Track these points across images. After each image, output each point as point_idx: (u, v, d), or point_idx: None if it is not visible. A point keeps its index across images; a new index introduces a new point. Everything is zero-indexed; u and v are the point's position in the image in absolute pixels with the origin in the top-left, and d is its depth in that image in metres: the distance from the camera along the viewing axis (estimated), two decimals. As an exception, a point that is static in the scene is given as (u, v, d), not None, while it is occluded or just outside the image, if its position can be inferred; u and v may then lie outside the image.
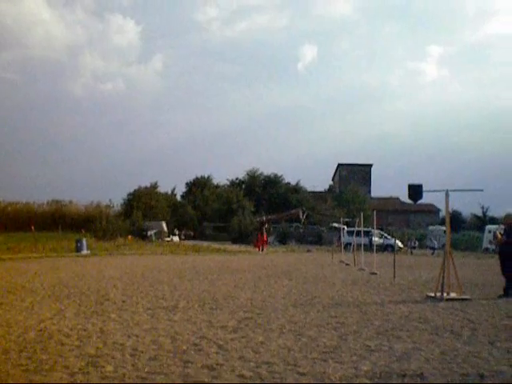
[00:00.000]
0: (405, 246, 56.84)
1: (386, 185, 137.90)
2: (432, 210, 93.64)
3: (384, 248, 51.89)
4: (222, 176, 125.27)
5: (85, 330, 9.01)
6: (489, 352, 7.74)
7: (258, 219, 54.27)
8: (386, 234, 57.19)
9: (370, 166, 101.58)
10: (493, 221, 68.59)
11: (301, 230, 67.78)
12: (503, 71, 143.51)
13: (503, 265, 15.39)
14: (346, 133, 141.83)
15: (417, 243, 58.52)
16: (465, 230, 76.16)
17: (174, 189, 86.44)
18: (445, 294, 13.93)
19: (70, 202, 76.60)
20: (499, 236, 18.60)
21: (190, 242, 55.93)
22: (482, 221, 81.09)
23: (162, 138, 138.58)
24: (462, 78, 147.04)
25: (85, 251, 36.25)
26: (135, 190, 75.19)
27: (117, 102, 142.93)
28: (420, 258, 43.74)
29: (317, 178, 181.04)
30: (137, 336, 8.55)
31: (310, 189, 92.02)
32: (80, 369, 6.52)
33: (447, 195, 14.66)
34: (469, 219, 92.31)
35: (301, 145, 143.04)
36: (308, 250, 49.43)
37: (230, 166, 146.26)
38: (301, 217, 62.65)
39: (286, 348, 7.77)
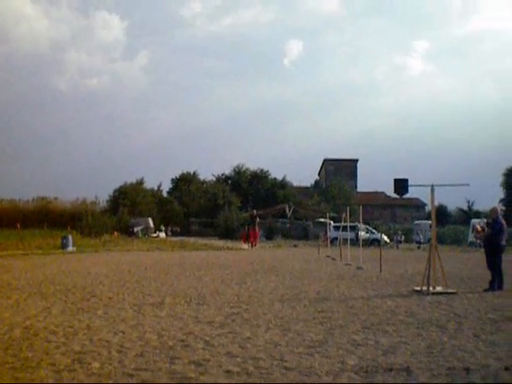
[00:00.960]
0: (391, 240, 56.96)
1: (372, 180, 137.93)
2: (418, 205, 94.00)
3: (370, 242, 51.99)
4: (208, 172, 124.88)
5: (71, 327, 9.00)
6: (474, 345, 7.79)
7: (248, 212, 50.47)
8: (372, 229, 57.34)
9: (356, 161, 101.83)
10: (478, 215, 68.92)
11: (287, 225, 67.86)
12: (489, 66, 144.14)
13: (488, 258, 15.49)
14: (332, 128, 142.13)
15: (403, 237, 58.67)
16: (451, 224, 76.48)
17: (160, 185, 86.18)
18: (431, 288, 13.99)
19: (56, 198, 76.03)
20: (479, 229, 18.72)
21: (177, 238, 55.82)
22: (467, 215, 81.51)
23: (148, 134, 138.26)
24: (447, 73, 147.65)
25: (71, 248, 36.09)
26: (121, 187, 74.87)
27: (102, 98, 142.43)
28: (406, 252, 43.89)
29: (303, 173, 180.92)
30: (123, 332, 8.55)
31: (296, 184, 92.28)
32: (66, 366, 6.52)
33: (432, 190, 14.72)
34: (454, 213, 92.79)
35: (287, 140, 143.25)
36: (294, 245, 49.48)
37: (216, 162, 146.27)
38: (287, 212, 62.83)
39: (272, 343, 7.79)
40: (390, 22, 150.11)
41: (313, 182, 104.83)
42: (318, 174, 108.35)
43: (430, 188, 14.81)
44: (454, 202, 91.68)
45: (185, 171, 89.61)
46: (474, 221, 52.70)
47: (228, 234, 62.10)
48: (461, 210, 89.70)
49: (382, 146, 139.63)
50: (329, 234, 42.15)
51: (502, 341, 8.11)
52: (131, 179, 78.13)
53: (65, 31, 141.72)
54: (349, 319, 9.92)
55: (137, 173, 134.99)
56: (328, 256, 30.98)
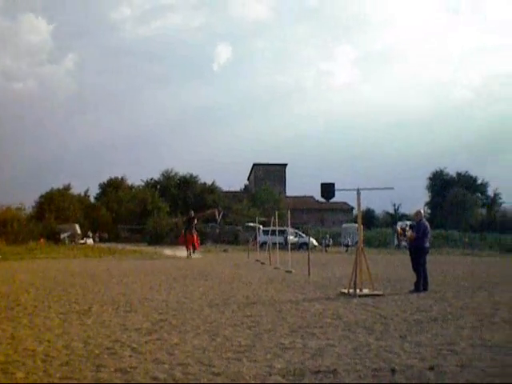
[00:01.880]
0: (319, 243, 57.60)
1: (301, 184, 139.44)
2: (346, 208, 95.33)
3: (299, 246, 52.47)
4: (136, 177, 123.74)
5: (-6, 337, 8.76)
6: (400, 346, 7.92)
7: (186, 216, 42.54)
8: (301, 233, 57.86)
9: (285, 165, 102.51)
10: (404, 217, 70.36)
11: (217, 230, 67.82)
12: (416, 72, 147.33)
13: (413, 260, 15.81)
14: (261, 133, 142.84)
15: (331, 241, 59.39)
16: (378, 227, 77.82)
17: (87, 190, 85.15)
18: (358, 291, 14.19)
19: (-21, 205, 74.26)
20: (400, 231, 19.14)
21: (105, 245, 55.08)
22: (393, 218, 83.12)
23: (75, 139, 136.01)
24: (374, 78, 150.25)
25: (-5, 256, 35.22)
26: (47, 193, 73.62)
27: (29, 103, 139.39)
28: (334, 255, 44.49)
29: (232, 178, 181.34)
30: (49, 341, 8.35)
31: (225, 189, 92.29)
32: (-12, 377, 6.34)
33: (359, 193, 14.95)
34: (381, 216, 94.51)
35: (216, 145, 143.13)
36: (224, 250, 49.52)
37: (144, 167, 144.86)
38: (217, 217, 62.57)
39: (200, 348, 7.75)
40: (317, 28, 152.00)
41: (242, 187, 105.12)
42: (248, 179, 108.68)
43: (356, 192, 15.03)
44: (380, 205, 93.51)
45: (113, 176, 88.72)
46: (400, 224, 53.78)
47: (157, 239, 61.63)
48: (387, 213, 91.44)
49: (310, 151, 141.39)
50: (258, 238, 42.32)
51: (426, 341, 8.27)
52: (58, 185, 76.90)
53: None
54: (277, 323, 9.96)
55: (63, 178, 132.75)
56: (257, 260, 31.12)
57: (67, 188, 77.82)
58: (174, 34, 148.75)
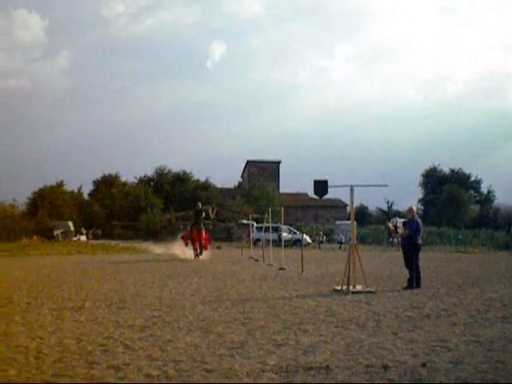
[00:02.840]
0: (313, 240, 57.63)
1: (295, 181, 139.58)
2: (340, 205, 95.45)
3: (293, 243, 52.46)
4: (130, 173, 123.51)
5: (-14, 334, 8.74)
6: (392, 343, 7.94)
7: (195, 209, 32.01)
8: (294, 230, 57.88)
9: (279, 162, 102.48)
10: (398, 214, 70.45)
11: (210, 227, 67.81)
12: (410, 70, 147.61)
13: (406, 257, 15.84)
14: (256, 129, 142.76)
15: (324, 238, 59.47)
16: (371, 223, 77.90)
17: (80, 187, 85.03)
18: (351, 287, 14.21)
19: (-28, 201, 74.09)
20: (391, 227, 19.20)
21: (98, 242, 54.99)
22: (387, 215, 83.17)
23: (69, 136, 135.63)
24: (369, 76, 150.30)
25: (-13, 253, 35.17)
26: (40, 189, 73.50)
27: (22, 100, 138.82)
28: (327, 252, 44.53)
29: (226, 175, 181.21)
30: (41, 338, 8.34)
31: (219, 185, 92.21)
32: (-19, 374, 6.32)
33: (352, 190, 14.96)
34: (375, 213, 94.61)
35: (210, 142, 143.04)
36: (218, 247, 49.47)
37: (138, 164, 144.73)
38: (210, 214, 62.64)
39: (193, 345, 7.75)
40: (311, 25, 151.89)
41: (236, 184, 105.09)
42: (241, 176, 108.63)
43: (349, 188, 15.04)
44: (374, 202, 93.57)
45: (106, 173, 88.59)
46: (392, 220, 53.82)
47: (151, 236, 61.56)
48: (381, 210, 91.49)
49: (305, 148, 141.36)
50: (252, 235, 42.30)
51: (419, 338, 8.29)
52: (51, 182, 76.75)
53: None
54: (270, 320, 9.97)
55: (57, 175, 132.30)
56: (251, 257, 31.09)
57: (60, 185, 77.72)
58: (168, 31, 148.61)
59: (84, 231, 65.43)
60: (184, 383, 5.96)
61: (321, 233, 59.94)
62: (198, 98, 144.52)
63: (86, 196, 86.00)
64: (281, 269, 22.27)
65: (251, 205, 75.70)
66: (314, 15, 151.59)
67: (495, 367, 6.52)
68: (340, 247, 50.91)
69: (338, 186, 16.44)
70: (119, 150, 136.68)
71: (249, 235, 45.18)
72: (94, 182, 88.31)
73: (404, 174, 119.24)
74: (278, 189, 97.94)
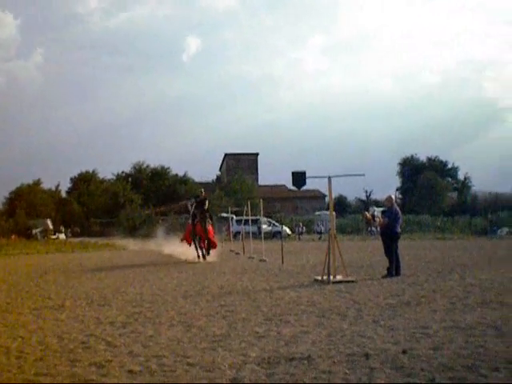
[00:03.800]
0: (293, 232, 57.74)
1: (273, 173, 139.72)
2: (318, 196, 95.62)
3: (273, 235, 52.54)
4: (107, 170, 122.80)
5: (-34, 336, 8.67)
6: (373, 331, 7.98)
7: (193, 199, 26.54)
8: (274, 222, 57.96)
9: (257, 154, 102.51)
10: (376, 203, 70.78)
11: (190, 221, 67.56)
12: (385, 61, 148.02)
13: (385, 246, 15.92)
14: (233, 122, 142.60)
15: (304, 229, 59.63)
16: (351, 213, 78.20)
17: (58, 185, 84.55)
18: (331, 277, 14.26)
19: None
20: (368, 216, 19.31)
21: (77, 239, 54.73)
22: (366, 204, 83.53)
23: (45, 133, 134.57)
24: (343, 67, 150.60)
25: (-35, 254, 34.89)
26: (17, 188, 72.97)
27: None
28: (307, 243, 44.66)
29: (204, 169, 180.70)
30: (22, 338, 8.29)
31: (197, 179, 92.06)
32: (-39, 375, 6.27)
33: (329, 181, 15.00)
34: (354, 203, 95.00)
35: (188, 136, 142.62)
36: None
37: (115, 160, 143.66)
38: (189, 208, 62.36)
39: (175, 340, 7.74)
40: (286, 17, 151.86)
41: (214, 177, 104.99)
42: (220, 169, 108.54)
43: (327, 179, 15.09)
44: (353, 192, 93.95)
45: (84, 170, 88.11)
46: (370, 210, 54.06)
47: (130, 232, 61.30)
48: (360, 199, 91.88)
49: (282, 140, 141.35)
50: (231, 228, 42.30)
51: (399, 325, 8.34)
52: (28, 180, 76.21)
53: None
54: (251, 312, 9.98)
55: (33, 173, 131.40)
56: (231, 250, 31.13)
57: (37, 183, 77.29)
58: (142, 26, 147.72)
59: (63, 229, 65.07)
60: (170, 382, 5.97)
61: (300, 224, 60.05)
62: (174, 92, 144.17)
63: (63, 194, 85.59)
64: (261, 261, 22.32)
65: (230, 198, 75.63)
66: (287, 7, 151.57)
67: (475, 352, 6.57)
68: (320, 238, 51.08)
69: (316, 177, 16.49)
70: (96, 147, 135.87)
71: (228, 228, 45.16)
72: (72, 179, 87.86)
73: (382, 163, 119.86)
74: (257, 181, 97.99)
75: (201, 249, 24.29)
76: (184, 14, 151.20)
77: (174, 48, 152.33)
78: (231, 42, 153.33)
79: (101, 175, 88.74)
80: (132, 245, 43.09)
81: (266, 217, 52.42)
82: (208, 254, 24.26)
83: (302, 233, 56.23)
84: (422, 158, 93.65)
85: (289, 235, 54.65)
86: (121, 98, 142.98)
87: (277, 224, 56.36)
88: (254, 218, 37.72)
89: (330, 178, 15.03)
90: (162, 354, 6.93)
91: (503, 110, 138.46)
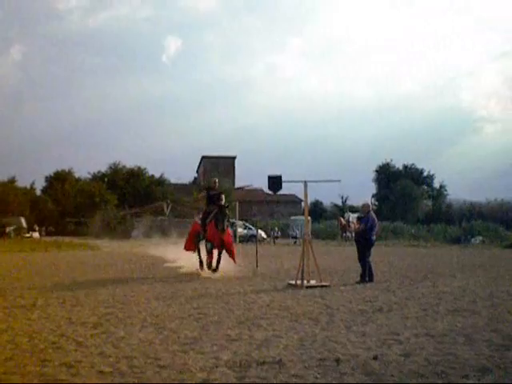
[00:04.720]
0: (268, 236, 57.80)
1: (250, 176, 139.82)
2: (294, 201, 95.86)
3: (248, 239, 52.50)
4: (83, 169, 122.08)
5: None
6: (345, 336, 8.02)
7: (204, 191, 19.82)
8: (249, 225, 57.96)
9: (234, 158, 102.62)
10: (352, 209, 71.02)
11: (166, 223, 67.44)
12: (361, 65, 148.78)
13: (360, 252, 16.00)
14: (210, 125, 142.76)
15: (279, 233, 59.70)
16: (326, 219, 78.44)
17: (33, 183, 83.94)
18: (305, 282, 14.29)
19: None
20: (342, 222, 19.44)
21: (51, 238, 54.31)
22: (341, 210, 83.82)
23: (22, 131, 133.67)
24: (321, 71, 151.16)
25: None
26: (-9, 185, 72.40)
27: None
28: (283, 247, 44.67)
29: (181, 171, 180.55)
30: (-8, 337, 8.22)
31: (174, 181, 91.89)
32: None
33: (305, 186, 15.05)
34: (329, 209, 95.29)
35: (165, 137, 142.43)
36: (173, 243, 49.22)
37: (92, 159, 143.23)
38: (165, 210, 62.29)
39: (146, 342, 7.71)
40: (265, 20, 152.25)
41: (191, 179, 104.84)
42: (197, 171, 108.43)
43: (303, 184, 15.13)
44: (329, 197, 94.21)
45: (59, 169, 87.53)
46: (346, 216, 54.23)
47: (105, 232, 60.97)
48: (335, 205, 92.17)
49: (259, 143, 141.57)
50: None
51: (371, 331, 8.40)
52: (2, 177, 75.62)
53: None
54: (224, 315, 9.98)
55: (8, 171, 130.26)
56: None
57: (12, 181, 76.74)
58: (122, 25, 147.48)
59: (37, 228, 64.61)
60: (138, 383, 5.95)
61: (276, 228, 60.14)
62: (153, 92, 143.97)
63: (38, 192, 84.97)
64: (236, 264, 22.26)
65: (207, 200, 75.33)
66: (267, 10, 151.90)
67: (445, 359, 6.65)
68: (295, 242, 51.13)
69: (292, 182, 16.51)
70: (73, 146, 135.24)
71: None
72: (47, 178, 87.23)
73: (358, 170, 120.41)
74: (234, 184, 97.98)
75: (209, 258, 18.24)
76: (164, 14, 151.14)
77: (155, 49, 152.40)
78: (211, 43, 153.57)
79: (77, 174, 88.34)
80: (106, 245, 42.86)
81: (242, 220, 52.44)
82: (216, 267, 17.85)
83: (277, 237, 56.31)
84: (398, 165, 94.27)
85: (264, 239, 54.70)
86: (99, 98, 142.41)
87: (252, 228, 56.37)
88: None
89: (305, 182, 15.09)
90: (133, 356, 6.91)
91: (479, 119, 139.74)
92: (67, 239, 51.38)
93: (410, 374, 6.05)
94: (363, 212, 16.62)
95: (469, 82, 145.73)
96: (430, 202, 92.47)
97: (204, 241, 18.53)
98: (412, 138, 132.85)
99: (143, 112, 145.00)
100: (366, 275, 15.54)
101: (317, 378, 5.93)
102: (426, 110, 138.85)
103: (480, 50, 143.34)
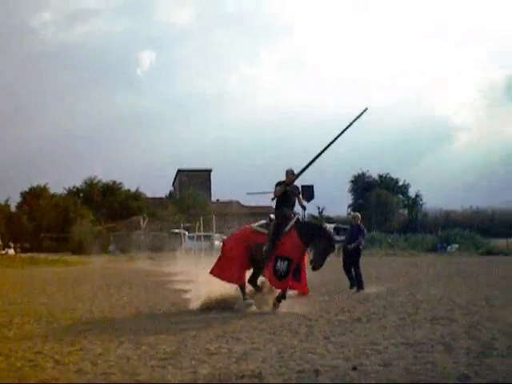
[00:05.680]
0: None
1: (227, 189, 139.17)
2: (269, 212, 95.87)
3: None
4: (59, 185, 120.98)
5: None
6: (324, 347, 8.01)
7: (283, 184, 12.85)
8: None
9: (210, 171, 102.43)
10: (329, 220, 71.17)
11: (142, 237, 67.13)
12: (335, 75, 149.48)
13: (347, 262, 16.24)
14: (186, 138, 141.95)
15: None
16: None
17: (7, 199, 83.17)
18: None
19: None
20: None
21: (27, 255, 53.82)
22: (318, 221, 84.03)
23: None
24: (294, 83, 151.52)
25: None
26: (-35, 202, 71.74)
27: None
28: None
29: (157, 185, 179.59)
30: (-33, 356, 8.10)
31: (150, 195, 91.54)
32: None
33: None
34: (307, 219, 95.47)
35: (140, 151, 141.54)
36: (150, 257, 49.03)
37: (67, 175, 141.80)
38: (142, 224, 62.02)
39: (124, 358, 7.63)
40: (239, 33, 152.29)
41: (167, 193, 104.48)
42: (172, 185, 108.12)
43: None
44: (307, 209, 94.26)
45: (34, 184, 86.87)
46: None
47: (81, 248, 60.51)
48: (312, 216, 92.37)
49: (235, 156, 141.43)
50: (183, 244, 42.10)
51: (350, 341, 8.39)
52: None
53: None
54: (202, 329, 9.92)
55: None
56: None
57: (-14, 197, 76.06)
58: (96, 39, 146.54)
59: (12, 245, 64.03)
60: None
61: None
62: (128, 107, 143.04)
63: (13, 208, 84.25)
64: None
65: (183, 214, 75.37)
66: (242, 23, 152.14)
67: (425, 368, 6.65)
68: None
69: (261, 193, 16.44)
70: (47, 161, 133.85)
71: (181, 244, 44.93)
72: (22, 193, 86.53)
73: (334, 180, 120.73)
74: (210, 197, 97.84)
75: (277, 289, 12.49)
76: (139, 28, 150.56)
77: (129, 63, 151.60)
78: (185, 57, 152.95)
79: (52, 190, 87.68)
80: (82, 261, 42.56)
81: (219, 233, 52.32)
82: (283, 298, 12.31)
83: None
84: (374, 175, 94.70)
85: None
86: (73, 113, 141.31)
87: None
88: (206, 234, 37.68)
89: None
90: (111, 372, 6.83)
91: (454, 128, 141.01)
92: (42, 255, 50.89)
93: (389, 383, 6.06)
94: (354, 223, 16.94)
95: (442, 92, 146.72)
96: (405, 211, 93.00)
97: (270, 260, 12.25)
98: (387, 147, 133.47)
99: (119, 126, 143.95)
100: (362, 282, 15.91)
101: (296, 390, 5.93)
102: (401, 119, 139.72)
103: (455, 60, 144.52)
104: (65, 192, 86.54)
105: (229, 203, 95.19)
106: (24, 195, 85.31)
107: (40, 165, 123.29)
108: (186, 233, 49.21)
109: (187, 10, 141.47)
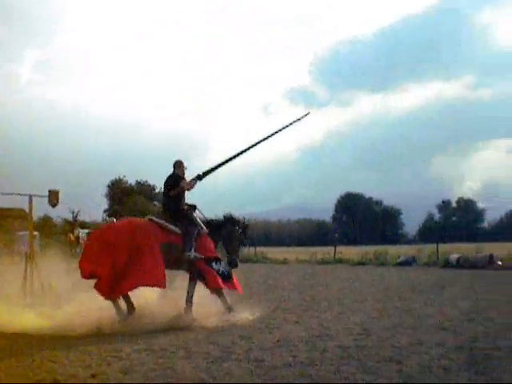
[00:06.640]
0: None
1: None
2: (23, 216, 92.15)
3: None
4: None
5: None
6: (65, 356, 7.78)
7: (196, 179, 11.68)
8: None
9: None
10: (83, 225, 69.96)
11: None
12: (101, 78, 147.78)
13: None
14: None
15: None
16: (56, 234, 76.33)
17: None
18: (28, 300, 13.73)
19: None
20: (72, 238, 19.33)
21: None
22: (72, 225, 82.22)
23: None
24: (61, 82, 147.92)
25: None
26: None
27: None
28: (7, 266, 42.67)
29: None
30: None
31: None
32: None
33: (31, 199, 14.56)
34: (60, 224, 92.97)
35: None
36: None
37: None
38: None
39: None
40: (5, 30, 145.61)
41: None
42: None
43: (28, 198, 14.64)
44: (60, 212, 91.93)
45: None
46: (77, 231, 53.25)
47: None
48: (65, 220, 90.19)
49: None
50: None
51: (94, 350, 8.24)
52: None
53: None
54: None
55: None
56: None
57: None
58: None
59: None
60: None
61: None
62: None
63: None
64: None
65: None
66: (7, 20, 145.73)
67: (164, 374, 6.71)
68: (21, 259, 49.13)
69: (17, 195, 15.70)
70: None
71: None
72: None
73: (91, 184, 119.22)
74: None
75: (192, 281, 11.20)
76: None
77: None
78: None
79: None
80: None
81: None
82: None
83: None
84: (131, 180, 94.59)
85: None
86: None
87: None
88: None
89: (31, 196, 14.59)
90: None
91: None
92: None
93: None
94: None
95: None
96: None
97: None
98: (145, 155, 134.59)
99: None
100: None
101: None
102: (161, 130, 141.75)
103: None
104: None
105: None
106: None
107: None
108: None
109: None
